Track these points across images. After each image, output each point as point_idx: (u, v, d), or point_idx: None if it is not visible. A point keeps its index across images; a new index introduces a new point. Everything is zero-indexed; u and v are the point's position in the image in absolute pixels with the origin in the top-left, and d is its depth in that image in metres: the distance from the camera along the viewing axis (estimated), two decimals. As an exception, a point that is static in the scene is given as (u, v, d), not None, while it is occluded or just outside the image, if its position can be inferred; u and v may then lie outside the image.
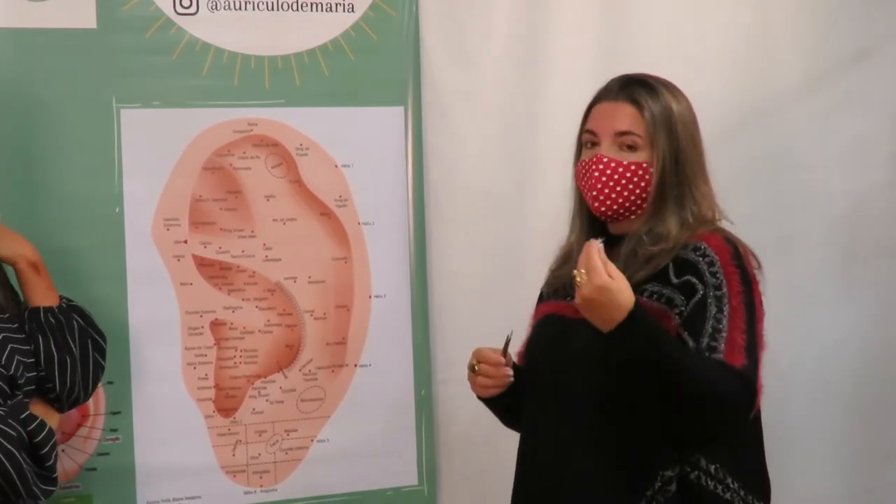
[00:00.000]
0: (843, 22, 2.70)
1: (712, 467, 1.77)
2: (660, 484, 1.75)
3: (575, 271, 1.67)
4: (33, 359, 1.80)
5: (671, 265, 1.77)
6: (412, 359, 2.47)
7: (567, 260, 1.93)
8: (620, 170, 1.81)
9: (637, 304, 1.66)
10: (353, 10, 2.43)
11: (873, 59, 2.71)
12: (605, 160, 1.82)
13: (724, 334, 1.70)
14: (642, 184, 1.82)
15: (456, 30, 2.51)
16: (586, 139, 1.88)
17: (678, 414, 1.71)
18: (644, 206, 1.84)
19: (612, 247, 1.82)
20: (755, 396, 1.71)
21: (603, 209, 1.83)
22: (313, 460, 2.41)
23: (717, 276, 1.74)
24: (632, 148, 1.82)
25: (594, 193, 1.83)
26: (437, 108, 2.50)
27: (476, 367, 1.90)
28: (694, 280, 1.74)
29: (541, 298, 2.01)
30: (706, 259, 1.76)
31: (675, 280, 1.76)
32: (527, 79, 2.55)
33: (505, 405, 1.96)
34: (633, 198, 1.83)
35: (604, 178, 1.82)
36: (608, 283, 1.64)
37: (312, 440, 2.41)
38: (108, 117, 2.26)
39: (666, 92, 1.85)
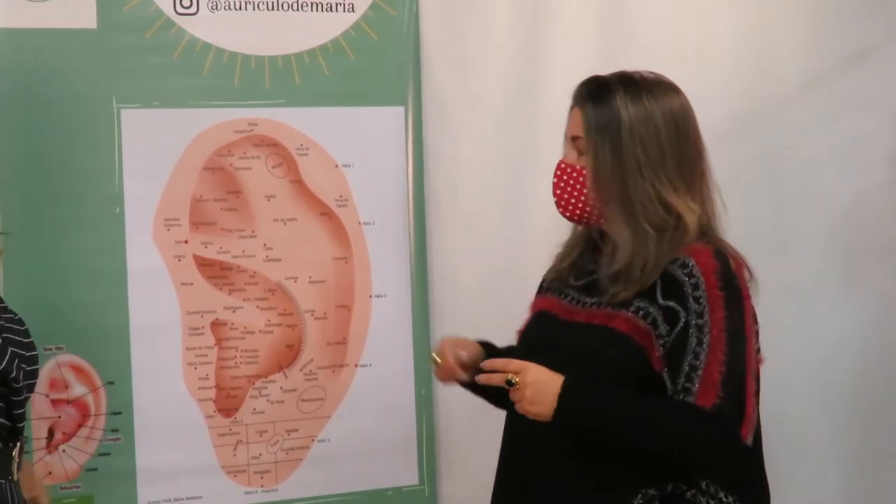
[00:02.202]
0: (843, 22, 2.70)
1: (703, 483, 1.74)
2: (643, 500, 1.73)
3: (509, 377, 1.70)
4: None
5: (659, 281, 1.73)
6: (412, 358, 2.47)
7: (569, 254, 1.92)
8: (566, 174, 1.82)
9: (564, 386, 1.68)
10: (353, 10, 2.43)
11: (873, 59, 2.71)
12: (562, 165, 1.83)
13: (699, 372, 1.67)
14: (578, 187, 1.80)
15: (456, 30, 2.51)
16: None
17: (656, 460, 1.72)
18: (590, 211, 1.81)
19: (607, 247, 1.82)
20: (733, 431, 1.67)
21: (566, 214, 1.84)
22: (314, 460, 2.41)
23: (701, 301, 1.69)
24: (581, 153, 1.81)
25: (555, 199, 1.84)
26: (437, 108, 2.50)
27: (438, 362, 1.90)
28: (677, 308, 1.70)
29: (541, 288, 1.99)
30: (692, 280, 1.71)
31: (661, 300, 1.72)
32: (527, 79, 2.55)
33: (483, 390, 1.94)
34: (577, 202, 1.81)
35: (561, 185, 1.82)
36: (542, 379, 1.68)
37: (313, 440, 2.41)
38: (109, 117, 2.27)
39: (621, 91, 1.79)
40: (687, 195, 1.78)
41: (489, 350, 1.94)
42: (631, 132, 1.77)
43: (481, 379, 1.76)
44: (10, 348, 1.73)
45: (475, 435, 2.43)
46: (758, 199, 2.65)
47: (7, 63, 2.19)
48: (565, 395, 1.68)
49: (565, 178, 1.82)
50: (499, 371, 1.74)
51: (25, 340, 1.77)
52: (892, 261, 2.74)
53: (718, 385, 1.66)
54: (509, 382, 1.71)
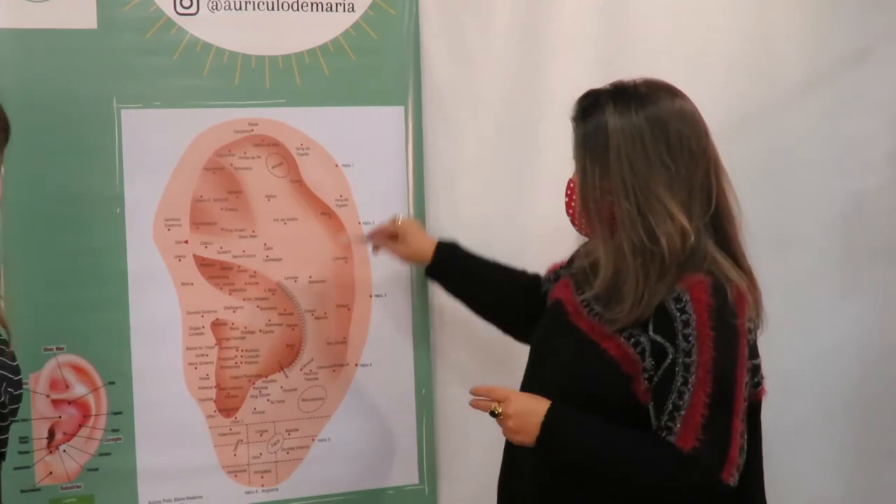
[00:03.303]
0: (843, 22, 2.70)
1: None
2: None
3: (493, 407, 1.73)
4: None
5: (652, 313, 1.72)
6: (413, 358, 2.47)
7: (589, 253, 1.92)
8: (573, 188, 1.86)
9: (547, 414, 1.70)
10: (353, 10, 2.42)
11: (873, 59, 2.72)
12: (570, 182, 1.88)
13: (682, 413, 1.66)
14: (573, 203, 1.86)
15: (456, 29, 2.51)
16: None
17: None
18: (584, 223, 1.85)
19: None
20: (711, 475, 1.66)
21: (576, 228, 1.89)
22: (314, 460, 2.41)
23: (690, 339, 1.67)
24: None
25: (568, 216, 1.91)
26: (437, 108, 2.50)
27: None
28: (665, 343, 1.69)
29: (570, 263, 2.02)
30: (682, 316, 1.69)
31: (651, 333, 1.71)
32: (527, 79, 2.55)
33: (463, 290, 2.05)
34: (579, 216, 1.86)
35: (566, 199, 1.88)
36: (524, 408, 1.71)
37: (314, 440, 2.41)
38: (109, 117, 2.26)
39: (610, 105, 1.76)
40: (680, 213, 1.72)
41: (445, 253, 2.08)
42: (619, 151, 1.73)
43: (471, 404, 1.80)
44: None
45: (475, 434, 2.43)
46: (758, 199, 2.64)
47: (7, 63, 2.19)
48: (547, 426, 1.70)
49: (568, 192, 1.86)
50: (483, 398, 1.77)
51: (12, 364, 1.72)
52: (892, 261, 2.75)
53: (699, 428, 1.65)
54: (493, 413, 1.74)
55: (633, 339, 1.73)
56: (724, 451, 1.66)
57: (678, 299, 1.70)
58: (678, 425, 1.66)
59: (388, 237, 2.28)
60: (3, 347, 1.71)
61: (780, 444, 2.67)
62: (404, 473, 2.47)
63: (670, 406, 1.67)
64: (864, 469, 2.76)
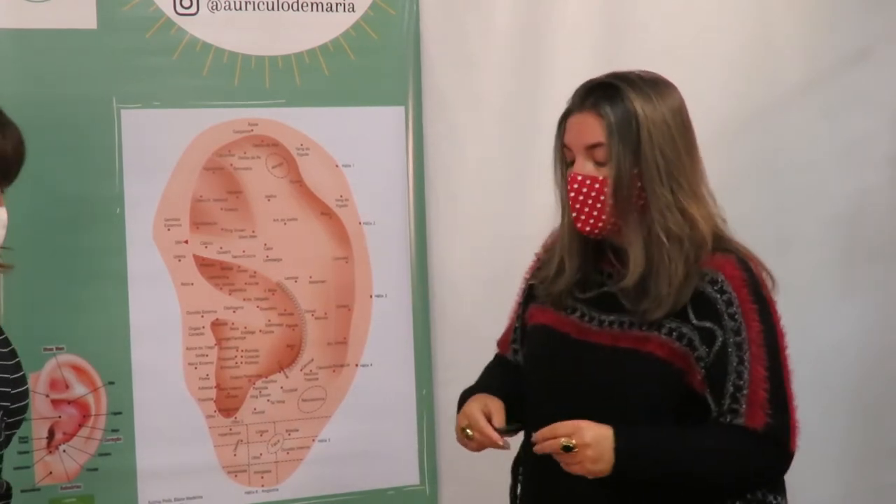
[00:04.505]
0: (843, 22, 2.71)
1: (759, 493, 1.73)
2: None
3: (564, 443, 1.62)
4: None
5: (689, 300, 1.69)
6: (413, 358, 2.47)
7: (569, 262, 1.81)
8: (586, 188, 1.71)
9: (616, 438, 1.62)
10: (353, 10, 2.43)
11: (873, 59, 2.72)
12: (578, 178, 1.71)
13: (745, 392, 1.65)
14: (603, 198, 1.70)
15: (456, 30, 2.51)
16: (565, 155, 1.77)
17: (708, 492, 1.70)
18: (613, 220, 1.72)
19: (619, 257, 1.75)
20: (786, 449, 1.67)
21: (587, 229, 1.73)
22: (315, 460, 2.41)
23: (736, 317, 1.67)
24: (601, 163, 1.71)
25: (574, 214, 1.73)
26: (437, 108, 2.50)
27: (470, 434, 1.77)
28: (713, 326, 1.67)
29: (533, 296, 1.90)
30: (724, 297, 1.68)
31: (694, 321, 1.68)
32: (527, 79, 2.55)
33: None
34: (602, 215, 1.71)
35: (581, 198, 1.72)
36: (598, 435, 1.61)
37: (314, 440, 2.41)
38: (109, 117, 2.26)
39: (631, 92, 1.72)
40: (708, 196, 1.75)
41: (505, 400, 1.83)
42: (650, 135, 1.70)
43: (537, 450, 1.67)
44: None
45: (476, 434, 2.43)
46: (758, 199, 2.65)
47: (7, 63, 2.19)
48: (622, 446, 1.62)
49: (585, 190, 1.71)
50: (548, 439, 1.65)
51: (13, 376, 1.69)
52: (892, 261, 2.75)
53: (766, 404, 1.65)
54: (566, 448, 1.62)
55: (675, 333, 1.68)
56: (788, 420, 1.67)
57: (714, 281, 1.69)
58: (744, 406, 1.65)
59: (493, 437, 1.82)
60: (4, 362, 1.68)
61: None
62: (405, 474, 2.47)
63: (731, 388, 1.66)
64: (864, 469, 2.76)
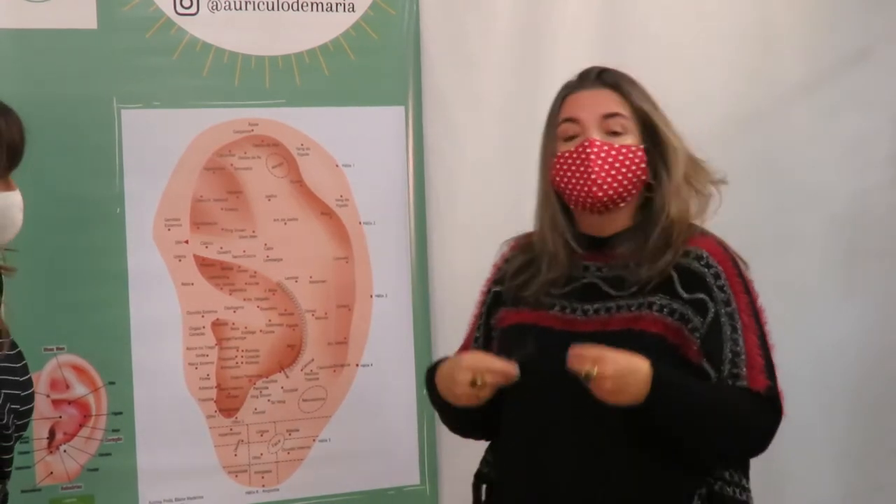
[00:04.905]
0: (843, 22, 2.71)
1: (727, 473, 1.76)
2: (699, 502, 1.73)
3: (586, 369, 1.59)
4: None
5: (675, 275, 1.73)
6: (413, 358, 2.47)
7: (529, 264, 1.84)
8: (613, 153, 1.73)
9: (655, 371, 1.61)
10: (353, 10, 2.43)
11: (873, 59, 2.72)
12: (598, 143, 1.73)
13: (743, 357, 1.69)
14: (633, 168, 1.74)
15: (456, 30, 2.51)
16: (565, 130, 1.78)
17: (710, 447, 1.72)
18: (634, 192, 1.76)
19: (601, 249, 1.78)
20: (781, 412, 1.73)
21: (601, 195, 1.72)
22: (315, 460, 2.41)
23: (725, 290, 1.72)
24: (617, 133, 1.75)
25: (592, 177, 1.72)
26: (437, 108, 2.50)
27: (480, 382, 1.69)
28: (704, 297, 1.71)
29: (500, 302, 1.89)
30: (711, 271, 1.73)
31: (684, 295, 1.72)
32: (527, 79, 2.55)
33: (473, 413, 1.82)
34: (626, 183, 1.74)
35: (599, 162, 1.72)
36: (623, 367, 1.59)
37: (314, 440, 2.41)
38: (109, 117, 2.26)
39: (629, 79, 1.82)
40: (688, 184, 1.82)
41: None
42: (663, 117, 1.80)
43: (569, 364, 1.62)
44: (3, 391, 1.66)
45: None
46: (758, 199, 2.65)
47: (7, 63, 2.19)
48: (658, 383, 1.61)
49: (603, 155, 1.73)
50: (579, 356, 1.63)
51: (21, 379, 1.70)
52: (892, 261, 2.75)
53: (763, 370, 1.70)
54: (587, 376, 1.60)
55: (666, 310, 1.71)
56: (777, 385, 1.73)
57: (699, 257, 1.74)
58: (744, 370, 1.69)
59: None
60: (12, 365, 1.68)
61: (780, 444, 2.67)
62: (405, 474, 2.47)
63: (729, 354, 1.70)
64: (864, 469, 2.76)
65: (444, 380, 1.81)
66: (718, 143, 2.64)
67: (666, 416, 1.65)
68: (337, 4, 2.42)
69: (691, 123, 2.63)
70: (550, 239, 1.82)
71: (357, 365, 2.43)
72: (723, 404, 1.68)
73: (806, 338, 2.69)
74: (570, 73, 2.51)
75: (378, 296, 2.45)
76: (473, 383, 1.70)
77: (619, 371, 1.60)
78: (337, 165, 2.42)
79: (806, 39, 2.70)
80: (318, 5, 2.41)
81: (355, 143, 2.43)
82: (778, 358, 2.52)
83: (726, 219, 2.62)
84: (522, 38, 2.54)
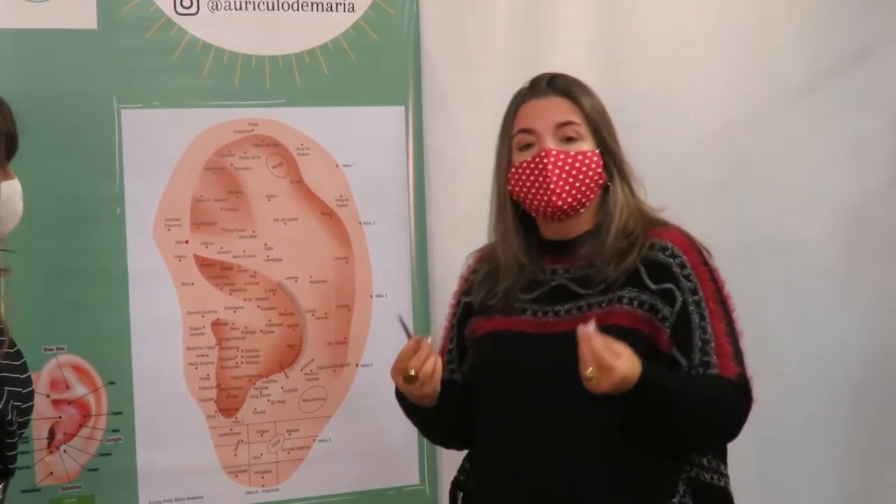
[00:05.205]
0: (843, 22, 2.71)
1: (704, 460, 1.78)
2: (683, 489, 1.75)
3: (589, 371, 1.59)
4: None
5: (642, 267, 1.75)
6: (413, 358, 2.47)
7: (494, 274, 1.86)
8: (570, 160, 1.76)
9: (643, 370, 1.62)
10: (353, 10, 2.43)
11: (873, 59, 2.72)
12: (554, 152, 1.76)
13: (712, 345, 1.71)
14: (590, 173, 1.77)
15: (456, 30, 2.51)
16: (520, 140, 1.81)
17: (688, 437, 1.74)
18: (593, 197, 1.79)
19: (565, 252, 1.81)
20: (751, 399, 1.74)
21: (560, 203, 1.75)
22: (315, 460, 2.41)
23: (691, 278, 1.74)
24: (572, 139, 1.78)
25: (551, 187, 1.74)
26: (437, 108, 2.50)
27: (413, 375, 1.73)
28: (672, 287, 1.74)
29: (471, 312, 1.90)
30: (677, 261, 1.75)
31: (652, 286, 1.74)
32: (527, 79, 2.54)
33: (434, 412, 1.85)
34: (584, 189, 1.77)
35: (557, 171, 1.75)
36: (624, 375, 1.60)
37: (314, 440, 2.41)
38: (109, 117, 2.26)
39: (583, 85, 1.85)
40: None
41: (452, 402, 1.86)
42: (609, 121, 1.83)
43: (582, 351, 1.61)
44: (6, 388, 1.66)
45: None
46: (758, 199, 2.65)
47: (7, 63, 2.19)
48: (647, 370, 1.63)
49: (560, 164, 1.76)
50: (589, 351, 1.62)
51: (22, 376, 1.70)
52: (892, 261, 2.75)
53: (733, 357, 1.72)
54: (587, 376, 1.61)
55: (635, 302, 1.74)
56: (746, 372, 1.74)
57: (664, 248, 1.76)
58: (714, 357, 1.71)
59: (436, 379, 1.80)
60: (12, 362, 1.69)
61: (781, 444, 2.68)
62: (405, 474, 2.47)
63: (699, 342, 1.72)
64: (864, 469, 2.76)
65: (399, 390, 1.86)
66: (718, 143, 2.65)
67: (648, 404, 1.67)
68: (337, 4, 2.42)
69: (691, 123, 2.65)
70: (502, 251, 1.86)
71: (357, 365, 2.43)
72: (702, 394, 1.70)
73: (806, 338, 2.70)
74: (569, 72, 2.52)
75: (378, 296, 2.45)
76: (409, 380, 1.74)
77: (614, 387, 1.61)
78: (337, 165, 2.42)
79: (806, 39, 2.70)
80: (318, 5, 2.41)
81: (355, 143, 2.43)
82: (778, 358, 2.53)
83: (726, 219, 2.64)
84: (522, 38, 2.54)
